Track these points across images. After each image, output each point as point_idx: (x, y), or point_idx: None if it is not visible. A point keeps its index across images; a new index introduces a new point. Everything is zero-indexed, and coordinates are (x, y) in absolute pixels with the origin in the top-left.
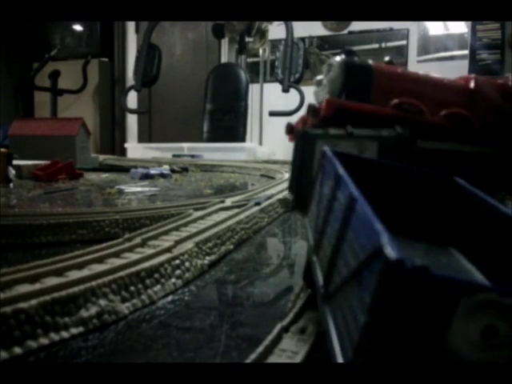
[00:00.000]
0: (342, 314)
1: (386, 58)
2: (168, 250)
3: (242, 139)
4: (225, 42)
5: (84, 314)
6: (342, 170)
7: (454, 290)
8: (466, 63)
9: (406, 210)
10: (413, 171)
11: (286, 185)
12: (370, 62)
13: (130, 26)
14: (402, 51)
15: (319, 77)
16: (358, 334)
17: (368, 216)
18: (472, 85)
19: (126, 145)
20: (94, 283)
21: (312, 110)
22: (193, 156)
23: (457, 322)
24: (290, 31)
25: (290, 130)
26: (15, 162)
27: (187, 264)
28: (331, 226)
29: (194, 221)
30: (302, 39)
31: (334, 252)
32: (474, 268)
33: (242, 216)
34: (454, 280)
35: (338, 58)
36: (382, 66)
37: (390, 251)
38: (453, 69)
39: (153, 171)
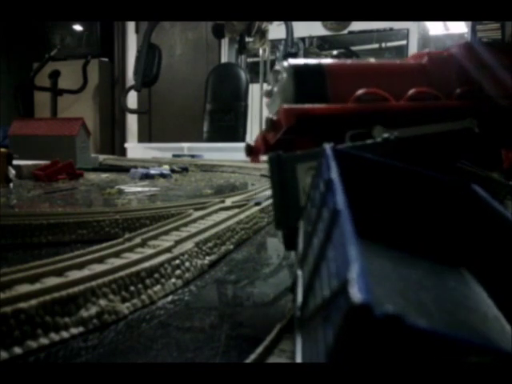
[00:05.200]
0: (310, 349)
1: (334, 52)
2: (168, 250)
3: (242, 139)
4: (225, 42)
5: (84, 313)
6: (334, 174)
7: (434, 349)
8: None
9: (415, 221)
10: (425, 176)
11: None
12: (321, 60)
13: (130, 25)
14: (402, 51)
15: (268, 87)
16: None
17: (346, 236)
18: (425, 60)
19: (126, 145)
20: (93, 283)
21: (270, 123)
22: (193, 156)
23: None
24: (289, 31)
25: (250, 151)
26: (15, 162)
27: (187, 264)
28: (317, 237)
29: (194, 221)
30: (302, 39)
31: (314, 270)
32: (486, 295)
33: (241, 216)
34: (435, 335)
35: (284, 64)
36: (333, 63)
37: (356, 291)
38: None
39: (153, 171)
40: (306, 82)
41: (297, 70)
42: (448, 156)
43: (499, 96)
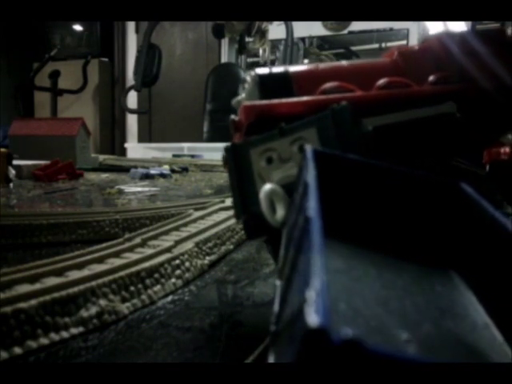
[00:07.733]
0: None
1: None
2: (168, 250)
3: None
4: (225, 42)
5: (84, 313)
6: (311, 177)
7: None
8: None
9: (402, 223)
10: (412, 176)
11: None
12: (288, 68)
13: (130, 25)
14: None
15: (238, 97)
16: None
17: (312, 246)
18: (396, 56)
19: (126, 145)
20: (94, 283)
21: (232, 123)
22: (193, 156)
23: None
24: (289, 31)
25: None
26: (15, 162)
27: (187, 264)
28: (293, 245)
29: (194, 221)
30: (302, 39)
31: (288, 281)
32: (475, 300)
33: None
34: (398, 360)
35: (251, 73)
36: (301, 69)
37: (312, 314)
38: None
39: (153, 171)
40: (271, 89)
41: (262, 77)
42: (430, 147)
43: (482, 82)
